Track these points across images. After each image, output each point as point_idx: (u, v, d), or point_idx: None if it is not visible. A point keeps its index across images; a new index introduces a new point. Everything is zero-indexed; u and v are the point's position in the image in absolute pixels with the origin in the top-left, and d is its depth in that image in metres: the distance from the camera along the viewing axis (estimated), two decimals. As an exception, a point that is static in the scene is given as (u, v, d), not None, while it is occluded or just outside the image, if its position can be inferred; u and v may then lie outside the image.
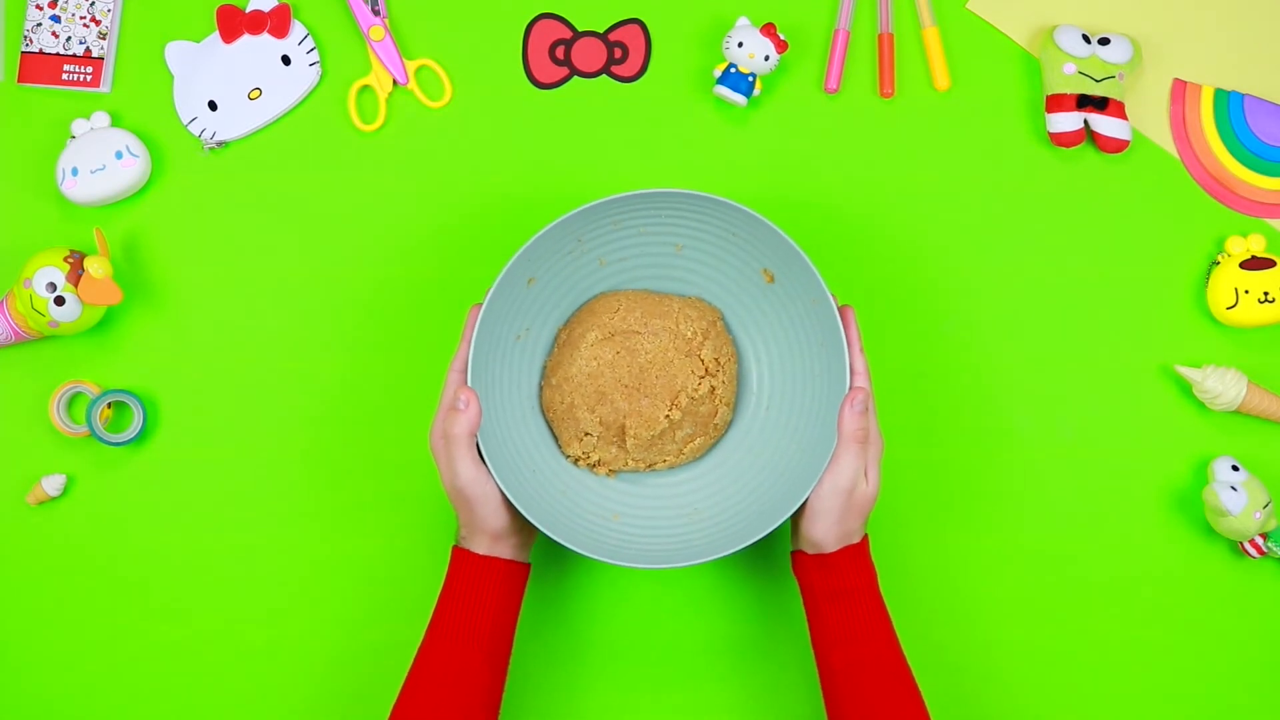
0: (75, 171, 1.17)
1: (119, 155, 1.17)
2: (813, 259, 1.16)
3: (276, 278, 1.19)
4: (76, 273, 1.13)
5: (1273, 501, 1.14)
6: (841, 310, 1.06)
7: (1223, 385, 1.15)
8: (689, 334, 1.12)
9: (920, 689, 1.05)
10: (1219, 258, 1.18)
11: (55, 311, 1.13)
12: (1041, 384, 1.18)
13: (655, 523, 1.11)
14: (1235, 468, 1.14)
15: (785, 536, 1.16)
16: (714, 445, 1.15)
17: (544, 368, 1.14)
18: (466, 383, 1.04)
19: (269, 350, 1.19)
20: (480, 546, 1.05)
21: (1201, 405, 1.17)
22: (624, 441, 1.12)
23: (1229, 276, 1.16)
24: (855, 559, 1.05)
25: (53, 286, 1.13)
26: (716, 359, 1.12)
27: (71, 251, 1.15)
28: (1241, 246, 1.17)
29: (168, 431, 1.18)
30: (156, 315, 1.19)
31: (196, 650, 1.17)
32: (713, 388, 1.12)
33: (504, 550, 1.05)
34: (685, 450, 1.13)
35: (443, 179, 1.20)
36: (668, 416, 1.11)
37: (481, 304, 1.04)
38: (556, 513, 1.08)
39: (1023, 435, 1.18)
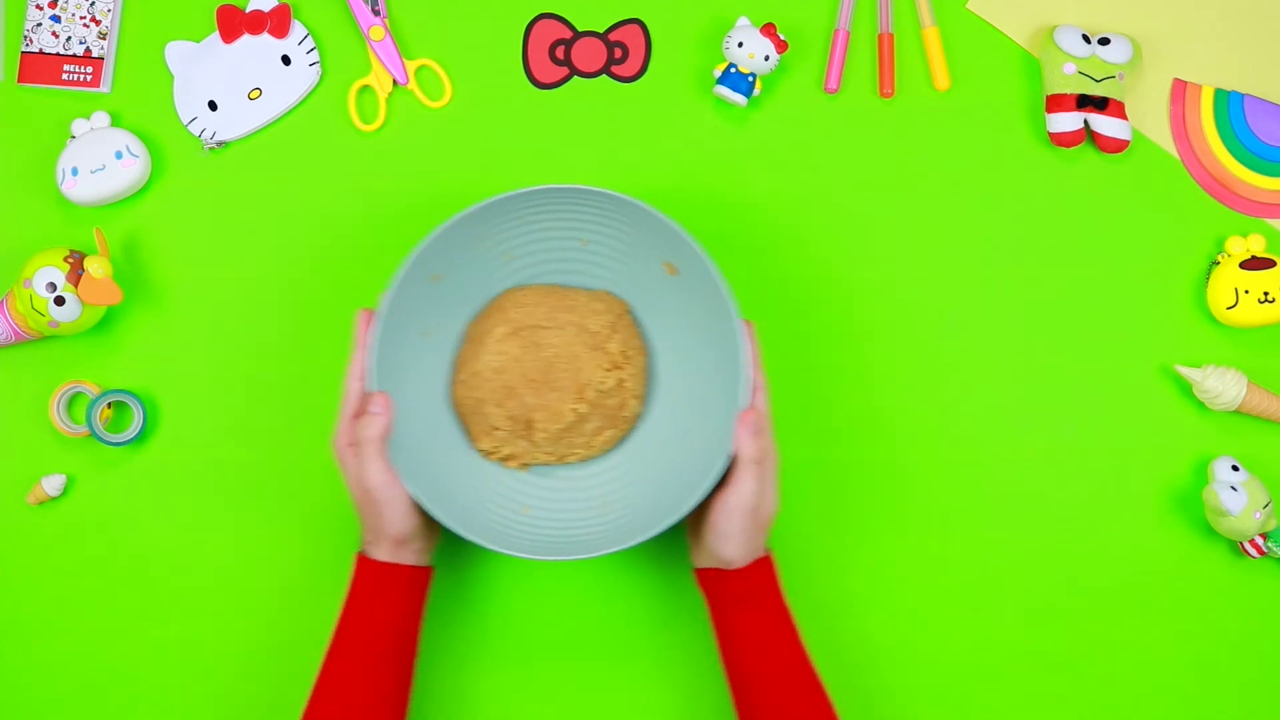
0: (75, 171, 1.17)
1: (119, 155, 1.17)
2: (812, 258, 1.16)
3: (276, 278, 1.19)
4: (76, 273, 1.13)
5: (1273, 501, 1.14)
6: (744, 325, 1.06)
7: (1223, 385, 1.15)
8: (595, 327, 1.12)
9: (828, 695, 1.06)
10: (1219, 258, 1.18)
11: (55, 311, 1.13)
12: (1041, 384, 1.18)
13: (565, 515, 1.12)
14: (1235, 468, 1.14)
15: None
16: (626, 437, 1.15)
17: (454, 363, 1.14)
18: (369, 388, 1.05)
19: (269, 350, 1.19)
20: (382, 553, 1.06)
21: (1201, 405, 1.17)
22: (532, 435, 1.12)
23: (1229, 276, 1.16)
24: (762, 570, 1.07)
25: (53, 286, 1.13)
26: (624, 352, 1.12)
27: (71, 251, 1.15)
28: (1241, 246, 1.17)
29: (168, 431, 1.18)
30: (156, 315, 1.19)
31: (196, 650, 1.17)
32: (621, 380, 1.12)
33: (407, 556, 1.06)
34: (595, 443, 1.13)
35: (443, 179, 1.20)
36: (575, 409, 1.11)
37: (372, 309, 1.06)
38: (465, 508, 1.08)
39: (1022, 435, 1.18)
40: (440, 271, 1.09)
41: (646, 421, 1.14)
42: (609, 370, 1.11)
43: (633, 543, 1.04)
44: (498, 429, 1.12)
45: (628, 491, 1.12)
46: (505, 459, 1.13)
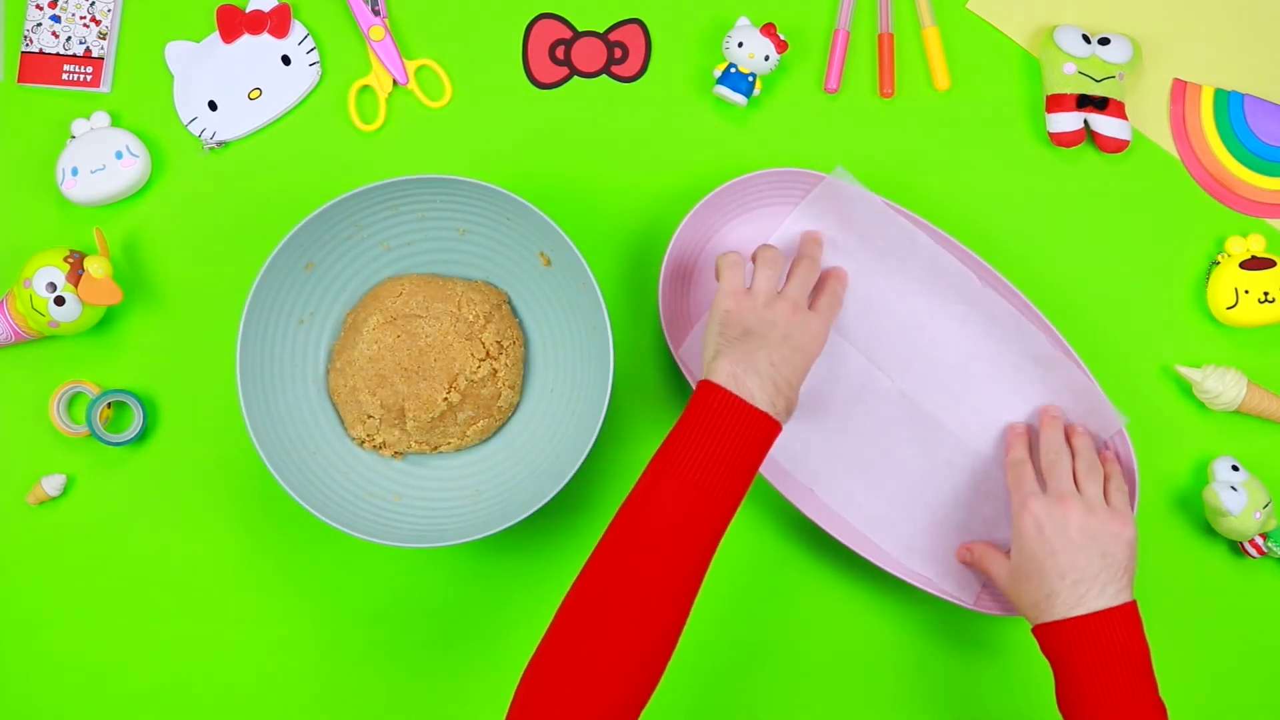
0: (75, 171, 1.17)
1: (119, 155, 1.17)
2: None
3: (276, 278, 1.19)
4: (76, 273, 1.13)
5: (1273, 501, 1.14)
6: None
7: (1223, 385, 1.15)
8: (470, 317, 1.13)
9: None
10: (1219, 258, 1.18)
11: (55, 311, 1.13)
12: (1041, 384, 1.18)
13: (436, 503, 1.13)
14: (1235, 468, 1.14)
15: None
16: (500, 428, 1.16)
17: (331, 351, 1.15)
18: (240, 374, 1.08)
19: (269, 350, 1.19)
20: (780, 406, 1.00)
21: (1201, 405, 1.17)
22: (405, 424, 1.13)
23: (1229, 276, 1.16)
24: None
25: (53, 286, 1.13)
26: (499, 342, 1.13)
27: (71, 251, 1.15)
28: (1241, 246, 1.17)
29: (168, 431, 1.18)
30: (156, 315, 1.19)
31: (196, 650, 1.17)
32: (494, 370, 1.13)
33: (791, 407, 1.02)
34: (469, 433, 1.14)
35: (443, 179, 1.20)
36: (446, 399, 1.12)
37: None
38: (335, 495, 1.10)
39: (1023, 435, 1.18)
40: (313, 260, 1.11)
41: (522, 411, 1.16)
42: (482, 359, 1.12)
43: (490, 532, 1.06)
44: (370, 417, 1.13)
45: (500, 480, 1.13)
46: (379, 447, 1.14)
